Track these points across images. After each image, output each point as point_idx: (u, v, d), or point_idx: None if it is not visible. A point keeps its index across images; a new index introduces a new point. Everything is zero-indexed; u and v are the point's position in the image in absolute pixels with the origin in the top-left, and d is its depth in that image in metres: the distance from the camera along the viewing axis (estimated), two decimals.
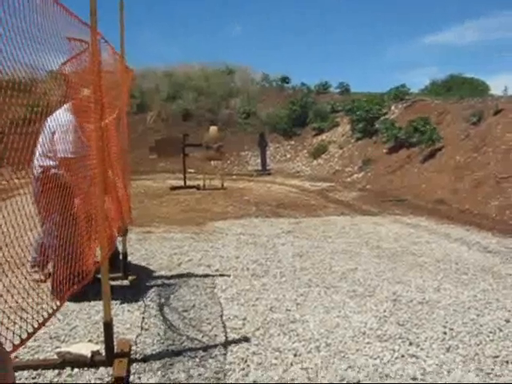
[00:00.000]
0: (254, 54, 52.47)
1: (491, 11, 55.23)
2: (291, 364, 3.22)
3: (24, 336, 2.12)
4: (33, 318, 2.28)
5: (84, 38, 3.06)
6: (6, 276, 2.09)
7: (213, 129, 14.64)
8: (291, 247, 6.51)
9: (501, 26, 55.51)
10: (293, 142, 20.44)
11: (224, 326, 3.81)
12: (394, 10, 56.99)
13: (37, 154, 3.50)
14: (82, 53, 3.11)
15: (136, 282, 4.86)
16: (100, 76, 3.13)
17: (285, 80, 24.03)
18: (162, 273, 5.25)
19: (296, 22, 57.77)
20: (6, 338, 1.92)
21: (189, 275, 5.17)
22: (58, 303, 2.64)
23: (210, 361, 3.24)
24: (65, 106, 3.42)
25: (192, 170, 15.91)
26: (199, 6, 53.75)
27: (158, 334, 3.64)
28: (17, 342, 2.07)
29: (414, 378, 3.07)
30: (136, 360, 3.22)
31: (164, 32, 57.55)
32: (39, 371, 3.01)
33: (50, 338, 3.51)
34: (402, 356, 3.35)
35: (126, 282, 4.85)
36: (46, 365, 3.06)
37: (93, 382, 2.94)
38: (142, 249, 6.25)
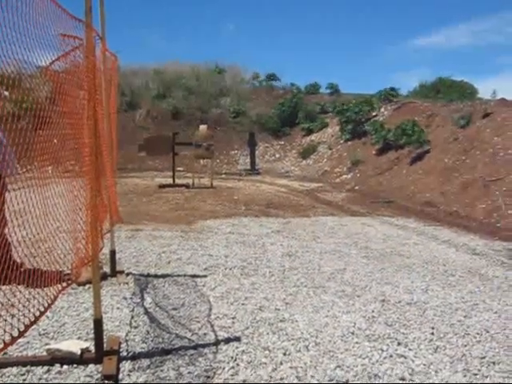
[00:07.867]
0: (244, 54, 52.52)
1: (482, 14, 55.68)
2: (280, 363, 3.23)
3: (15, 333, 2.11)
4: (24, 316, 2.27)
5: (71, 29, 2.99)
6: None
7: (203, 127, 14.64)
8: (280, 247, 6.52)
9: (491, 29, 56.05)
10: (282, 142, 20.51)
11: (213, 325, 3.81)
12: (385, 12, 57.29)
13: None
14: (75, 49, 3.09)
15: (125, 280, 4.84)
16: (94, 74, 3.12)
17: (271, 77, 24.05)
18: (151, 271, 5.24)
19: (287, 23, 57.90)
20: None
21: (178, 274, 5.16)
22: (50, 301, 2.62)
23: (200, 359, 3.24)
24: None
25: (181, 169, 15.90)
26: (191, 3, 53.66)
27: (148, 332, 3.63)
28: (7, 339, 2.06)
29: (403, 378, 3.09)
30: (125, 358, 3.21)
31: (155, 30, 57.36)
32: (28, 368, 2.99)
33: (39, 334, 3.49)
34: (391, 356, 3.37)
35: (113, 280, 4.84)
36: (35, 361, 3.04)
37: (82, 379, 2.92)
38: (130, 247, 6.23)
